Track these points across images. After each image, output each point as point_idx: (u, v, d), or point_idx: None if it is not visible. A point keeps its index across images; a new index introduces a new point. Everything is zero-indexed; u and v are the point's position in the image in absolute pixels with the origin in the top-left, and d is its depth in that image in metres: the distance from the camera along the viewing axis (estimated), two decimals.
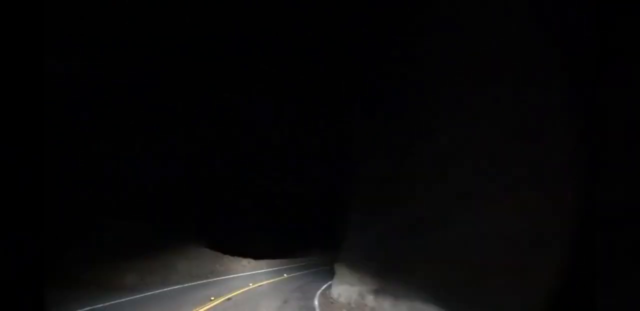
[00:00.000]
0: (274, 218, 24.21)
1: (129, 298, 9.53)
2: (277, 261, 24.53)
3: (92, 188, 12.38)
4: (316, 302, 9.77)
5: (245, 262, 21.97)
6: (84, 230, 11.71)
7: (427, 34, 5.97)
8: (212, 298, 9.72)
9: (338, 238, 12.05)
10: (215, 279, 15.42)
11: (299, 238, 28.42)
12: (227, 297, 10.15)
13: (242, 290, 11.75)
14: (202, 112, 12.53)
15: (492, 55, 4.46)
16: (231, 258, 21.17)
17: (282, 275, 17.93)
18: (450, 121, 5.48)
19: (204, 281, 14.48)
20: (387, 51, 7.73)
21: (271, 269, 21.47)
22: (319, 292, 11.69)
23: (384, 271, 7.50)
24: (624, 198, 1.83)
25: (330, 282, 12.29)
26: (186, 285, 12.89)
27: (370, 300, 7.87)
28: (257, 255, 22.60)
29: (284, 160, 17.76)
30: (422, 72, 6.25)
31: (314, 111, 12.30)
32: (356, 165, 10.76)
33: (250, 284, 13.51)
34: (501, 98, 4.37)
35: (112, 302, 8.86)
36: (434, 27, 5.75)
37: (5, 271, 1.19)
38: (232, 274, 17.76)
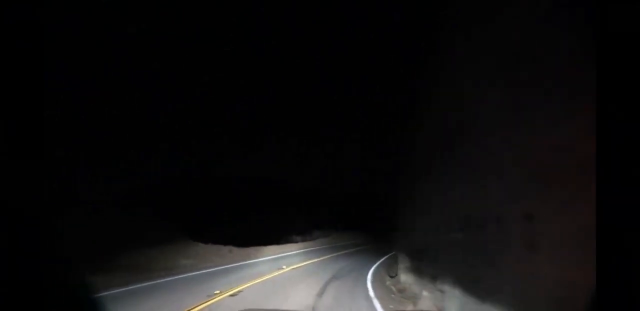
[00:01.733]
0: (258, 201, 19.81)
1: None
2: (271, 248, 18.83)
3: None
4: None
5: (226, 251, 16.21)
6: None
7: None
8: None
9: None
10: (166, 280, 9.55)
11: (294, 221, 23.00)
12: None
13: None
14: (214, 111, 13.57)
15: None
16: (204, 246, 15.36)
17: (281, 268, 12.11)
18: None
19: (142, 285, 8.60)
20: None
21: (261, 259, 15.68)
22: None
23: None
24: (626, 196, 1.67)
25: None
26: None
27: None
28: (240, 242, 16.88)
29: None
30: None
31: None
32: None
33: (217, 292, 7.65)
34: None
35: None
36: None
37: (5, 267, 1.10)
38: (201, 269, 11.90)
